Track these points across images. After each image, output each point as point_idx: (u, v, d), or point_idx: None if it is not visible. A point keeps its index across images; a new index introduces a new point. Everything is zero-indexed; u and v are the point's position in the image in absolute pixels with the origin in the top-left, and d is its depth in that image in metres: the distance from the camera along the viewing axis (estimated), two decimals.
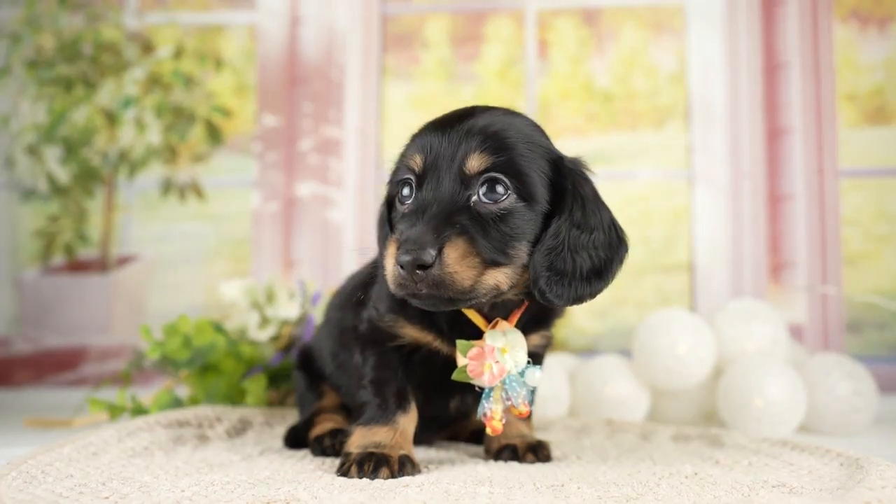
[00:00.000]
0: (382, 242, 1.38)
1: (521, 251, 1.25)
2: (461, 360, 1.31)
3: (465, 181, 1.23)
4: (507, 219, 1.23)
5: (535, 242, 1.27)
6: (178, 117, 3.04)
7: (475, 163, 1.23)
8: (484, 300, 1.23)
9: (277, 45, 3.07)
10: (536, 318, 1.41)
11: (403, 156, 1.32)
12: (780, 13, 2.92)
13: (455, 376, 1.32)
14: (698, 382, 2.12)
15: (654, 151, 2.96)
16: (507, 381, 1.32)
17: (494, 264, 1.21)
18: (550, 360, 2.31)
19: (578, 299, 1.28)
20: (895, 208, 2.83)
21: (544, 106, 2.95)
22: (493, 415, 1.33)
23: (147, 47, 3.07)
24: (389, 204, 1.37)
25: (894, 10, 2.89)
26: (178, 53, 3.06)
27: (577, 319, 2.90)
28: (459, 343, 1.31)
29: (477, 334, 1.33)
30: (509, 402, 1.33)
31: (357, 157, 3.01)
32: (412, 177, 1.27)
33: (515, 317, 1.36)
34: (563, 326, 2.88)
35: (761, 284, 2.85)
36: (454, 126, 1.27)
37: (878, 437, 2.02)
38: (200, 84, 3.06)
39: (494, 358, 1.30)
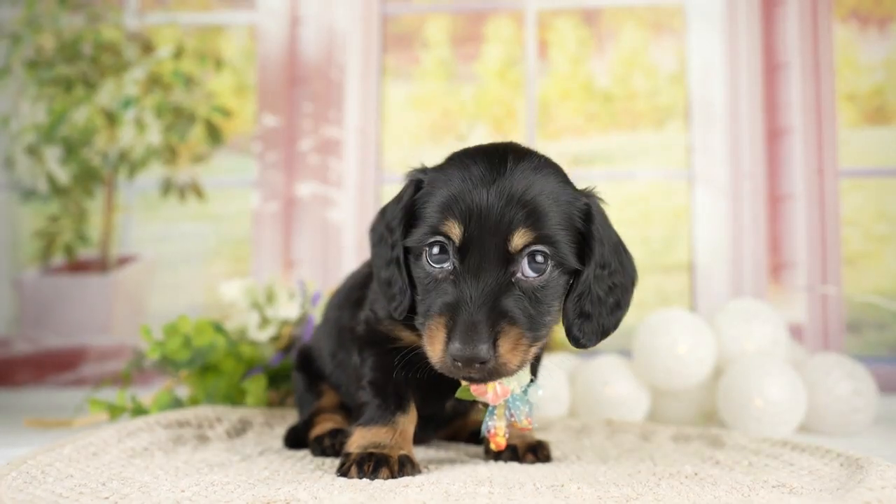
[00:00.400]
0: (385, 265, 1.35)
1: (556, 313, 1.30)
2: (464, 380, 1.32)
3: (509, 258, 1.23)
4: (547, 288, 1.26)
5: (567, 295, 1.31)
6: (178, 117, 3.04)
7: (520, 240, 1.22)
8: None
9: (277, 45, 3.07)
10: None
11: (433, 213, 1.26)
12: (780, 13, 2.92)
13: (459, 395, 1.34)
14: (698, 382, 2.12)
15: (654, 151, 2.96)
16: (511, 400, 1.34)
17: (536, 340, 1.25)
18: (550, 360, 2.31)
19: (605, 334, 1.34)
20: (895, 208, 2.83)
21: (544, 106, 2.95)
22: (496, 431, 1.35)
23: (147, 47, 3.07)
24: (406, 249, 1.33)
25: (894, 10, 2.89)
26: (178, 53, 3.06)
27: None
28: None
29: None
30: (512, 419, 1.35)
31: (357, 158, 3.01)
32: (448, 243, 1.25)
33: None
34: (562, 327, 2.88)
35: (761, 284, 2.85)
36: (490, 187, 1.24)
37: (878, 437, 2.02)
38: (200, 84, 3.06)
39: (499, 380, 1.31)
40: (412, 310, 1.32)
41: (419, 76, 3.05)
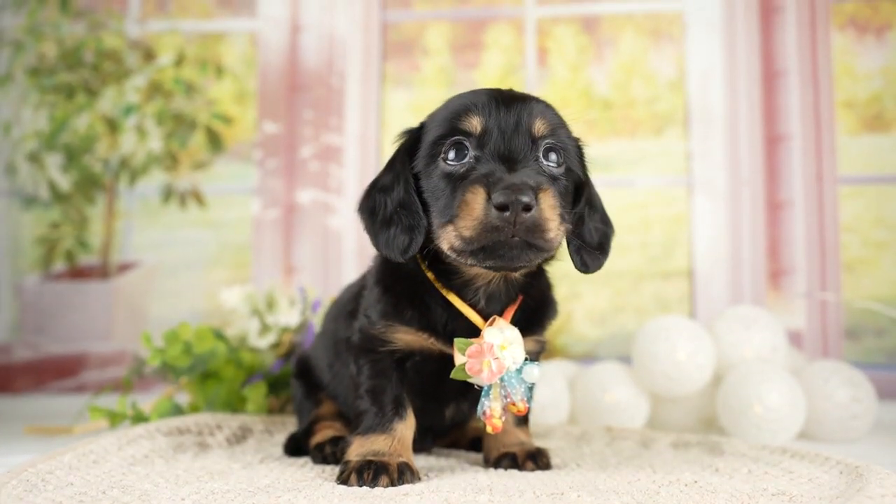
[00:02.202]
0: (384, 225, 1.33)
1: (568, 217, 1.33)
2: (459, 359, 1.32)
3: (534, 142, 1.28)
4: (561, 183, 1.30)
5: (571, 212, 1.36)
6: (179, 124, 3.05)
7: (542, 127, 1.28)
8: (548, 256, 1.30)
9: (278, 52, 3.08)
10: (530, 318, 1.41)
11: (445, 120, 1.30)
12: (779, 21, 2.93)
13: (454, 375, 1.32)
14: (698, 389, 2.11)
15: (654, 158, 2.97)
16: (506, 378, 1.33)
17: (562, 220, 1.27)
18: (550, 366, 2.31)
19: (597, 268, 1.40)
20: (893, 215, 2.84)
21: None
22: (492, 413, 1.34)
23: (148, 55, 3.08)
24: (413, 176, 1.34)
25: (892, 18, 2.90)
26: (180, 61, 3.07)
27: (577, 326, 2.90)
28: (458, 341, 1.32)
29: (470, 333, 1.34)
30: (508, 400, 1.34)
31: (357, 165, 3.01)
32: (466, 138, 1.27)
33: (510, 313, 1.37)
34: (562, 333, 2.89)
35: (760, 291, 2.86)
36: (506, 100, 1.30)
37: (877, 444, 2.01)
38: (201, 91, 3.07)
39: (493, 355, 1.31)
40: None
41: (419, 83, 3.06)
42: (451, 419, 1.54)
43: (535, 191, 1.19)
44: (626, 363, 2.26)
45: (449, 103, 1.35)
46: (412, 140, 1.37)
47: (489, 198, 1.18)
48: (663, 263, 2.91)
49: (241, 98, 3.09)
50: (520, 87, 3.12)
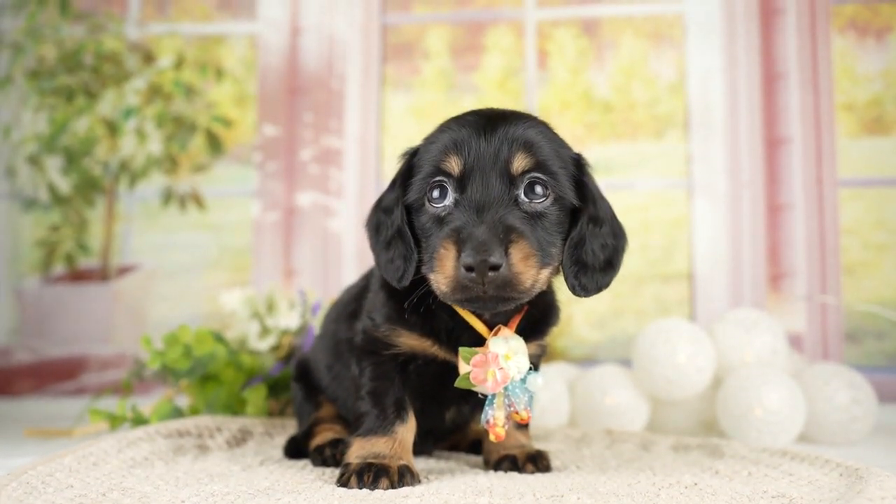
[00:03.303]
0: (385, 247, 1.36)
1: (558, 249, 1.31)
2: (463, 368, 1.32)
3: (512, 181, 1.26)
4: (547, 218, 1.28)
5: (566, 239, 1.33)
6: (179, 127, 3.05)
7: (520, 163, 1.26)
8: (528, 298, 1.27)
9: (278, 55, 3.08)
10: (533, 325, 1.42)
11: (430, 158, 1.30)
12: (779, 23, 2.93)
13: (458, 384, 1.33)
14: (698, 392, 2.12)
15: (654, 161, 2.97)
16: (510, 388, 1.33)
17: (545, 262, 1.26)
18: (550, 369, 2.31)
19: (599, 289, 1.36)
20: (894, 218, 2.84)
21: (544, 116, 2.93)
22: (495, 421, 1.34)
23: (148, 57, 3.08)
24: (407, 207, 1.35)
25: (892, 21, 2.91)
26: (179, 63, 3.07)
27: (577, 329, 2.90)
28: (462, 350, 1.32)
29: (474, 341, 1.34)
30: (511, 409, 1.34)
31: (357, 167, 3.02)
32: (447, 179, 1.27)
33: (515, 322, 1.37)
34: (562, 336, 2.89)
35: (760, 294, 2.86)
36: (489, 130, 1.29)
37: (877, 447, 2.02)
38: (201, 94, 3.07)
39: (498, 364, 1.31)
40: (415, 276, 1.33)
41: (419, 86, 3.06)
42: (451, 422, 1.54)
43: (506, 243, 1.18)
44: (626, 366, 2.27)
45: (438, 135, 1.34)
46: (408, 167, 1.36)
47: (459, 256, 1.18)
48: (663, 266, 2.91)
49: (241, 101, 3.09)
50: (520, 90, 3.13)
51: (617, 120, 2.99)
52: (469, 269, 1.17)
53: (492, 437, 1.34)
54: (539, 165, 1.27)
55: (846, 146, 2.88)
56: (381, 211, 1.39)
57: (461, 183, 1.26)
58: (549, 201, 1.28)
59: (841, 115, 2.89)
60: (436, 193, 1.28)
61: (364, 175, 3.01)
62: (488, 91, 3.02)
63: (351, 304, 1.58)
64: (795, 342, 2.79)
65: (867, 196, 2.86)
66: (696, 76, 2.96)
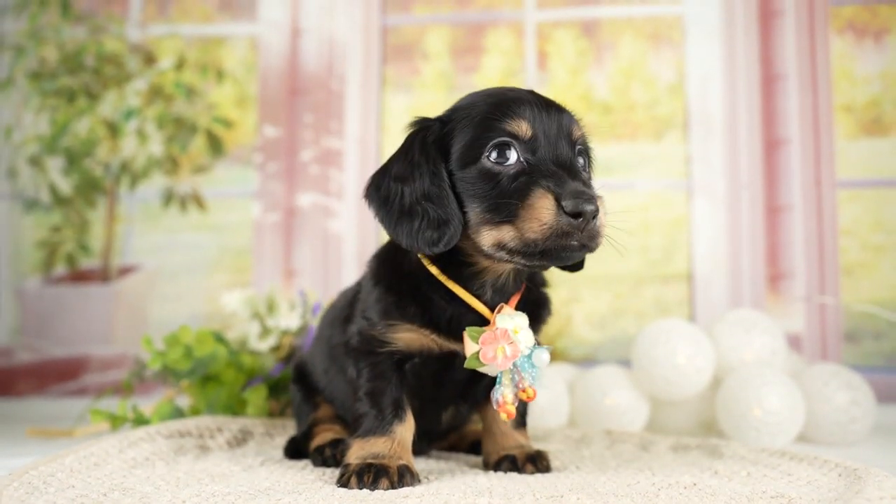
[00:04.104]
0: (405, 216, 1.32)
1: None
2: (471, 348, 1.33)
3: (573, 147, 1.33)
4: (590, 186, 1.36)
5: None
6: (180, 128, 3.06)
7: (578, 133, 1.35)
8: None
9: (278, 56, 3.09)
10: (530, 311, 1.42)
11: (488, 122, 1.31)
12: (778, 25, 2.94)
13: (467, 364, 1.34)
14: (697, 392, 2.12)
15: (653, 162, 2.98)
16: (520, 362, 1.35)
17: None
18: (550, 370, 2.31)
19: (581, 267, 1.45)
20: (892, 219, 2.85)
21: None
22: (504, 399, 1.36)
23: (149, 59, 3.09)
24: (445, 162, 1.34)
25: (890, 22, 2.91)
26: (180, 65, 3.08)
27: (577, 329, 2.91)
28: (469, 329, 1.34)
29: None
30: (519, 386, 1.36)
31: (357, 168, 3.02)
32: (514, 141, 1.30)
33: (514, 302, 1.40)
34: (562, 336, 2.89)
35: (760, 294, 2.86)
36: (541, 101, 1.35)
37: (876, 447, 2.02)
38: (202, 95, 3.08)
39: (508, 339, 1.33)
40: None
41: (419, 87, 3.07)
42: (447, 423, 1.55)
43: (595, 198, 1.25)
44: (625, 366, 2.27)
45: (482, 100, 1.36)
46: (439, 133, 1.36)
47: (559, 204, 1.22)
48: (663, 267, 2.92)
49: (242, 102, 3.10)
50: None
51: (616, 121, 3.00)
52: (577, 215, 1.21)
53: (503, 417, 1.36)
54: (585, 138, 1.39)
55: (845, 147, 2.89)
56: (389, 179, 1.36)
57: (531, 145, 1.30)
58: (589, 174, 1.39)
59: (839, 117, 2.90)
60: (495, 154, 1.30)
61: (364, 176, 3.00)
62: None
63: (346, 310, 1.58)
64: (794, 343, 2.79)
65: (865, 197, 2.87)
66: (695, 77, 2.97)
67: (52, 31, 3.08)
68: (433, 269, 1.38)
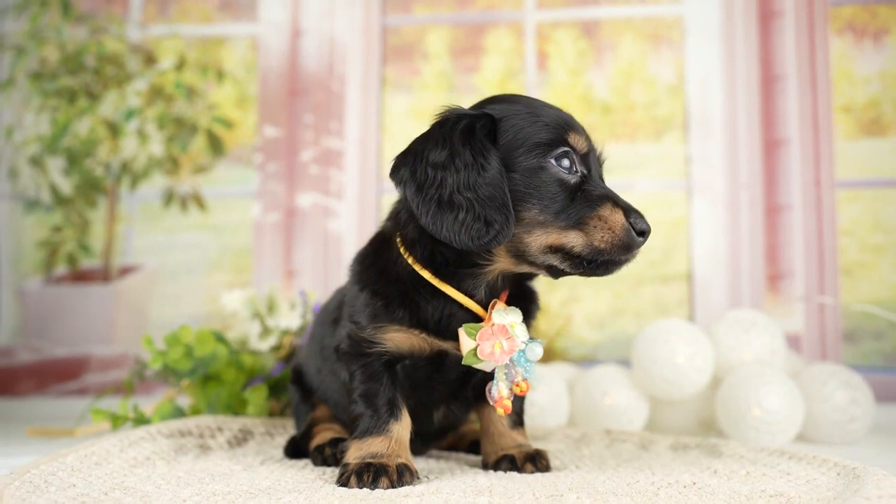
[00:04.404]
0: (445, 206, 1.28)
1: None
2: (467, 345, 1.34)
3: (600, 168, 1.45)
4: None
5: None
6: (180, 128, 3.06)
7: (603, 155, 1.47)
8: None
9: (279, 56, 3.09)
10: (519, 306, 1.42)
11: (549, 129, 1.34)
12: (777, 26, 2.94)
13: (465, 361, 1.34)
14: (697, 392, 2.12)
15: (653, 162, 2.98)
16: (516, 357, 1.36)
17: None
18: (549, 369, 2.32)
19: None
20: (891, 219, 2.85)
21: None
22: (500, 394, 1.37)
23: (149, 59, 3.09)
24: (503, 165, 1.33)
25: (889, 22, 2.92)
26: (180, 65, 3.08)
27: (577, 329, 2.91)
28: (466, 326, 1.34)
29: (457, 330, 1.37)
30: (514, 380, 1.37)
31: (358, 168, 3.03)
32: (573, 152, 1.35)
33: (504, 299, 1.41)
34: (561, 336, 2.89)
35: (759, 294, 2.87)
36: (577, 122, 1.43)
37: (875, 447, 2.03)
38: (202, 95, 3.08)
39: (506, 335, 1.34)
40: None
41: (419, 87, 3.07)
42: (439, 422, 1.55)
43: None
44: (625, 366, 2.28)
45: (537, 108, 1.38)
46: (490, 127, 1.34)
47: (627, 219, 1.30)
48: (662, 267, 2.92)
49: (242, 102, 3.10)
50: (520, 92, 3.14)
51: (616, 121, 3.00)
52: (642, 233, 1.31)
53: (499, 412, 1.37)
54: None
55: (844, 147, 2.89)
56: (427, 165, 1.31)
57: (584, 160, 1.37)
58: None
59: (839, 117, 2.90)
60: (566, 162, 1.34)
61: (364, 176, 3.02)
62: (488, 92, 3.01)
63: (335, 312, 1.59)
64: (793, 342, 2.80)
65: (865, 197, 2.87)
66: (695, 78, 2.97)
67: (52, 32, 3.09)
68: (425, 274, 1.37)
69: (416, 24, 3.10)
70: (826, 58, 2.91)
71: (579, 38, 3.04)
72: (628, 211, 1.32)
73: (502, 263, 1.36)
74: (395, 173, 1.35)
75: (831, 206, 2.86)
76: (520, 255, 1.33)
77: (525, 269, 1.37)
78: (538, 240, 1.30)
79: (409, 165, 1.33)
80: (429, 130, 1.36)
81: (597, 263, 1.30)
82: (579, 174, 1.34)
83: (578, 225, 1.29)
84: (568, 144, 1.34)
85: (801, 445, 2.03)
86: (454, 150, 1.31)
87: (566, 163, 1.33)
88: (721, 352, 2.15)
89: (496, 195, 1.29)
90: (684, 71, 2.99)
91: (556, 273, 1.35)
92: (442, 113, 1.38)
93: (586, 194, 1.32)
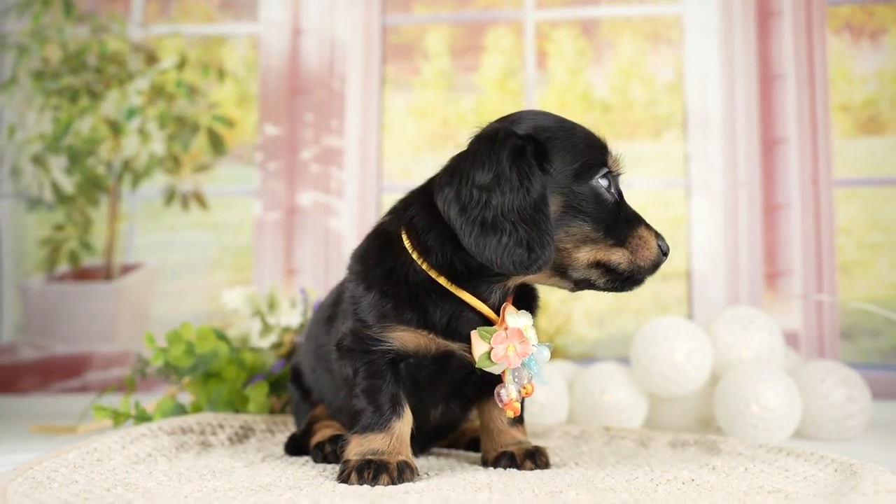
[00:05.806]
0: (489, 228, 1.28)
1: None
2: (480, 348, 1.35)
3: None
4: None
5: None
6: (182, 127, 3.07)
7: None
8: None
9: (279, 55, 3.10)
10: (523, 305, 1.45)
11: (591, 151, 1.39)
12: (776, 25, 2.95)
13: (479, 364, 1.35)
14: (695, 389, 2.13)
15: (652, 161, 2.99)
16: (527, 360, 1.38)
17: None
18: (549, 367, 2.33)
19: None
20: (888, 217, 2.86)
21: None
22: (510, 397, 1.38)
23: (151, 58, 3.10)
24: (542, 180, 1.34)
25: (886, 22, 2.92)
26: (182, 64, 3.09)
27: (576, 327, 2.92)
28: (480, 330, 1.36)
29: (469, 330, 1.37)
30: (523, 383, 1.38)
31: (358, 167, 3.03)
32: (611, 176, 1.41)
33: (510, 300, 1.42)
34: (561, 334, 2.90)
35: (757, 292, 2.87)
36: None
37: (872, 443, 2.03)
38: (203, 94, 3.09)
39: (520, 338, 1.36)
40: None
41: (419, 86, 3.08)
42: (437, 421, 1.54)
43: None
44: (624, 364, 2.28)
45: (572, 127, 1.41)
46: (536, 149, 1.34)
47: (658, 239, 1.42)
48: (661, 265, 2.92)
49: (243, 101, 3.11)
50: (519, 91, 3.14)
51: (615, 120, 3.01)
52: (665, 253, 1.42)
53: (509, 414, 1.40)
54: None
55: (842, 146, 2.90)
56: (471, 186, 1.29)
57: (615, 181, 1.42)
58: None
59: (836, 116, 2.91)
60: (605, 182, 1.38)
61: (364, 174, 3.02)
62: (488, 91, 3.03)
63: (329, 310, 1.59)
64: (791, 340, 2.80)
65: (862, 196, 2.88)
66: (693, 77, 2.98)
67: (54, 31, 3.09)
68: (442, 280, 1.37)
69: (416, 24, 3.11)
70: (824, 57, 2.92)
71: (579, 37, 3.05)
72: (657, 234, 1.43)
73: (532, 276, 1.37)
74: (439, 193, 1.33)
75: (829, 205, 2.87)
76: (561, 269, 1.36)
77: (553, 281, 1.39)
78: (587, 255, 1.35)
79: (455, 187, 1.31)
80: (476, 148, 1.34)
81: (634, 280, 1.39)
82: (616, 194, 1.40)
83: (623, 243, 1.37)
84: (607, 165, 1.39)
85: (799, 442, 2.03)
86: (500, 172, 1.29)
87: (606, 183, 1.38)
88: (719, 349, 2.16)
89: (539, 220, 1.29)
90: (683, 70, 2.99)
91: (582, 287, 1.40)
92: (488, 130, 1.36)
93: (624, 214, 1.39)
